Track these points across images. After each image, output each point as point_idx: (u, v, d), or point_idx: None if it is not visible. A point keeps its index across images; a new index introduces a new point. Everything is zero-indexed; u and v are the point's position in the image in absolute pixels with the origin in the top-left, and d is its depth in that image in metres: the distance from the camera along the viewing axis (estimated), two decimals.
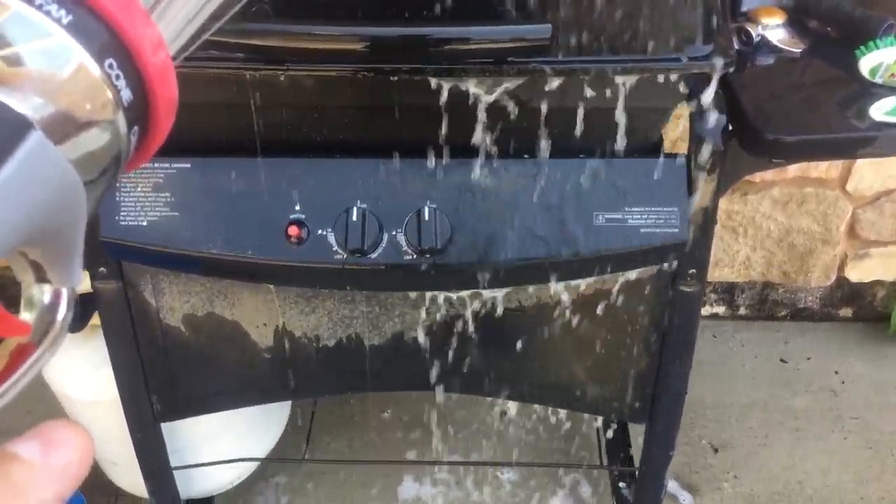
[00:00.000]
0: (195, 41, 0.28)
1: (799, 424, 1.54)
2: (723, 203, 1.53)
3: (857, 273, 1.67)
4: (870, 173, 1.51)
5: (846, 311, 1.75)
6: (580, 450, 1.48)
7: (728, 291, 1.72)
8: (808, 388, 1.61)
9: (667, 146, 0.88)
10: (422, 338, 0.97)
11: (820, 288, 1.71)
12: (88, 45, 0.23)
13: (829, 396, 1.59)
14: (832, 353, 1.68)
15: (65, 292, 0.25)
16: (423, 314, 0.95)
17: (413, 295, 0.94)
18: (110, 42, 0.24)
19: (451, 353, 0.98)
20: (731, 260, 1.65)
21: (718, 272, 1.67)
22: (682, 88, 0.76)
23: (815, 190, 1.53)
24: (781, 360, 1.67)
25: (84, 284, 0.94)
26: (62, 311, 0.25)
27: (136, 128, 0.25)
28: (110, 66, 0.24)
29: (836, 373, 1.64)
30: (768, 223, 1.58)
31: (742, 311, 1.76)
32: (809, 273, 1.66)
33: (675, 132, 1.24)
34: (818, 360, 1.67)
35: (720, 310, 1.76)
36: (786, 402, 1.58)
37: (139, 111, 0.25)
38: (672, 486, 1.41)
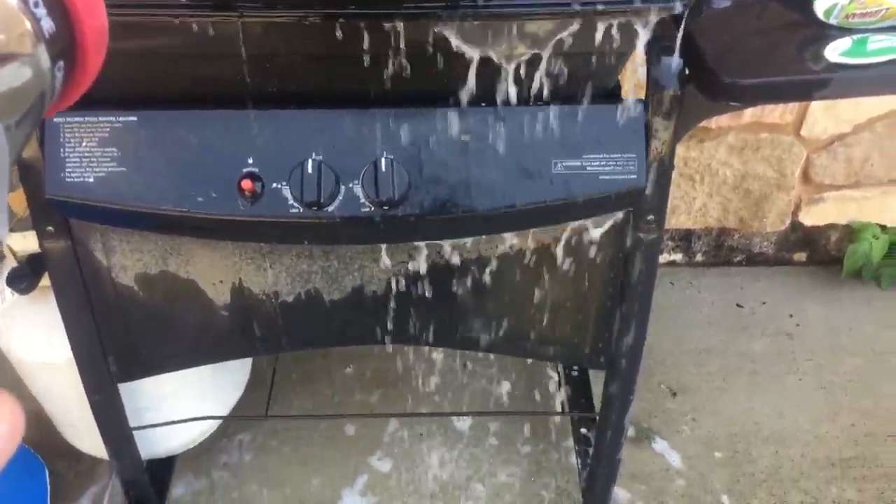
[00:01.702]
0: None
1: (755, 368, 1.56)
2: (679, 150, 1.54)
3: (811, 217, 1.69)
4: (824, 118, 1.52)
5: (800, 256, 1.78)
6: (543, 398, 1.49)
7: (685, 239, 1.74)
8: (764, 332, 1.63)
9: (624, 92, 0.87)
10: (381, 291, 0.96)
11: (775, 233, 1.73)
12: None
13: (785, 340, 1.62)
14: (787, 298, 1.71)
15: None
16: (382, 267, 0.94)
17: (371, 248, 0.93)
18: None
19: (410, 306, 0.97)
20: (687, 207, 1.66)
21: (675, 219, 1.68)
22: (639, 32, 0.75)
23: (770, 135, 1.54)
24: (738, 305, 1.69)
25: (32, 244, 0.92)
26: None
27: (61, 62, 0.23)
28: None
29: (791, 316, 1.67)
30: (724, 170, 1.59)
31: (698, 257, 1.77)
32: (764, 219, 1.68)
33: (633, 78, 1.23)
34: (773, 304, 1.70)
35: (677, 257, 1.77)
36: (742, 346, 1.61)
37: (65, 43, 0.23)
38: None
